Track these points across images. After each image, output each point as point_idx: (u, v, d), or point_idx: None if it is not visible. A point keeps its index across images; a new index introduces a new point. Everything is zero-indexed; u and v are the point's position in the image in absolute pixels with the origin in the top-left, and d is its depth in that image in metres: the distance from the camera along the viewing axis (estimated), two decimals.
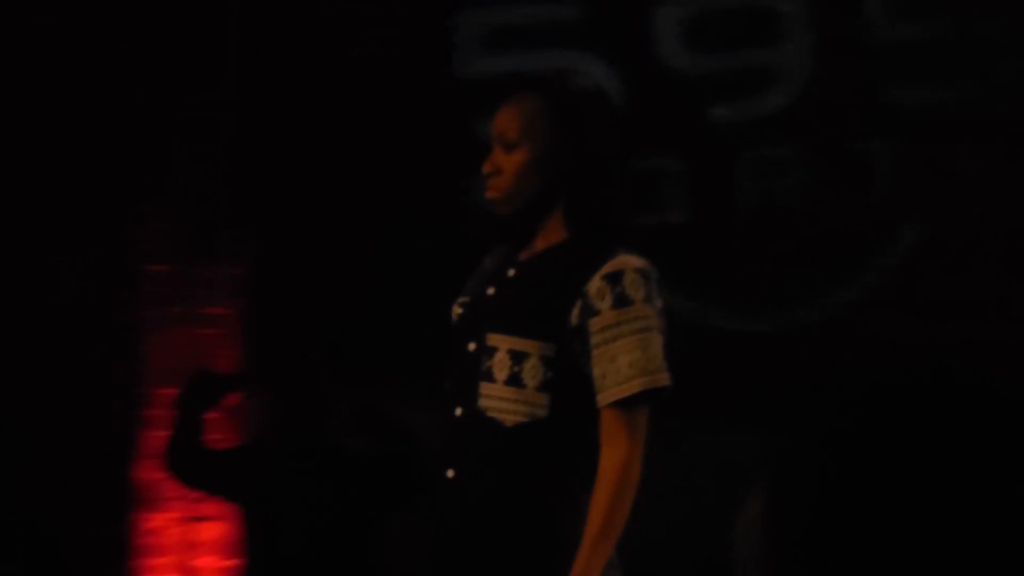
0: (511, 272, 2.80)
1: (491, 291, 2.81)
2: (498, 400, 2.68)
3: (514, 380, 2.67)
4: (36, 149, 5.01)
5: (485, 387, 2.70)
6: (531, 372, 2.67)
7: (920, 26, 4.55)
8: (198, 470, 4.47)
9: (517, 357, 2.67)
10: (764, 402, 4.33)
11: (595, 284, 2.66)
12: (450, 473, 2.74)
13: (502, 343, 2.69)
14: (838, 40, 4.68)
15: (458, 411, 2.75)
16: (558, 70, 2.94)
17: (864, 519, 3.64)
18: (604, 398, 2.66)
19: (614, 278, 2.66)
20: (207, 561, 5.08)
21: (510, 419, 2.67)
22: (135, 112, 5.10)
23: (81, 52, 5.05)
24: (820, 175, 4.64)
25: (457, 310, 2.87)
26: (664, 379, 2.68)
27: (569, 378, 2.68)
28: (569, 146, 2.74)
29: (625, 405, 2.65)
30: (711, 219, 4.74)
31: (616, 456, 2.62)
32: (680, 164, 4.77)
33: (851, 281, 4.55)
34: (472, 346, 2.75)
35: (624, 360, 2.63)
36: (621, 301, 2.64)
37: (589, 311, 2.66)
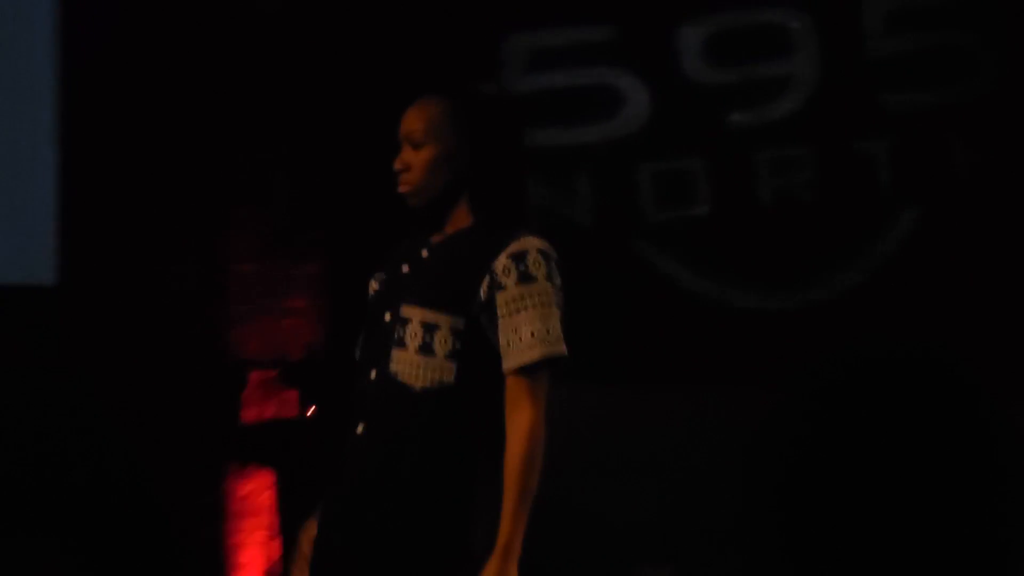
0: (424, 253, 2.95)
1: (405, 269, 2.97)
2: (408, 365, 2.83)
3: (425, 348, 2.82)
4: (149, 167, 5.56)
5: (397, 353, 2.85)
6: (441, 342, 2.82)
7: (911, 38, 5.03)
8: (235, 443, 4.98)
9: (429, 328, 2.83)
10: (776, 371, 4.81)
11: (501, 262, 2.82)
12: (359, 429, 2.88)
13: (415, 315, 2.85)
14: (841, 51, 5.13)
15: (372, 374, 2.89)
16: (463, 77, 3.23)
17: (823, 466, 4.46)
18: (508, 364, 2.80)
19: (518, 257, 2.82)
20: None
21: (418, 383, 2.81)
22: (222, 129, 5.65)
23: (176, 80, 5.62)
24: (827, 171, 5.08)
25: (374, 285, 3.05)
26: (562, 349, 2.81)
27: (476, 348, 2.82)
28: (470, 144, 2.92)
29: (528, 372, 2.78)
30: (731, 212, 5.20)
31: (523, 421, 2.75)
32: (703, 164, 5.24)
33: (855, 264, 5.01)
34: (387, 316, 2.90)
35: (526, 330, 2.78)
36: (525, 278, 2.80)
37: (496, 286, 2.81)
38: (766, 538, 4.79)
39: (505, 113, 3.07)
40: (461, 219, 2.95)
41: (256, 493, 5.56)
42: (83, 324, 5.43)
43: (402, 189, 2.99)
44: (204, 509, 5.47)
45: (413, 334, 2.84)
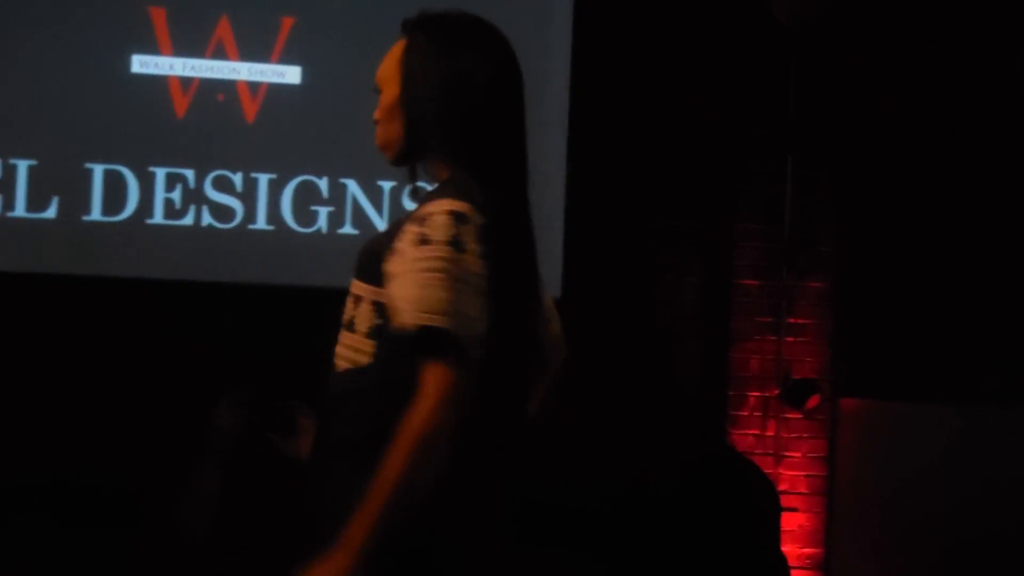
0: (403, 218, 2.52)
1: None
2: (339, 345, 2.47)
3: (349, 325, 2.45)
4: (654, 182, 5.64)
5: (340, 332, 2.50)
6: (362, 317, 2.43)
7: None
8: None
9: (356, 301, 2.45)
10: None
11: (406, 226, 2.39)
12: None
13: (351, 287, 2.48)
14: None
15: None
16: (445, 12, 2.57)
17: None
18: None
19: (422, 219, 2.36)
20: (790, 548, 5.53)
21: (341, 364, 2.45)
22: (730, 142, 5.67)
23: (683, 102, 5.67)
24: None
25: None
26: (440, 320, 2.27)
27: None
28: (421, 85, 2.47)
29: (424, 351, 2.28)
30: None
31: (412, 411, 2.27)
32: None
33: None
34: None
35: (406, 294, 2.31)
36: (422, 241, 2.34)
37: (392, 253, 2.38)
38: None
39: (474, 49, 2.50)
40: (430, 179, 2.54)
41: None
42: (586, 334, 5.51)
43: (376, 142, 2.57)
44: None
45: (346, 309, 2.47)
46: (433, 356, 2.27)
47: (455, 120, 2.46)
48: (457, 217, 2.35)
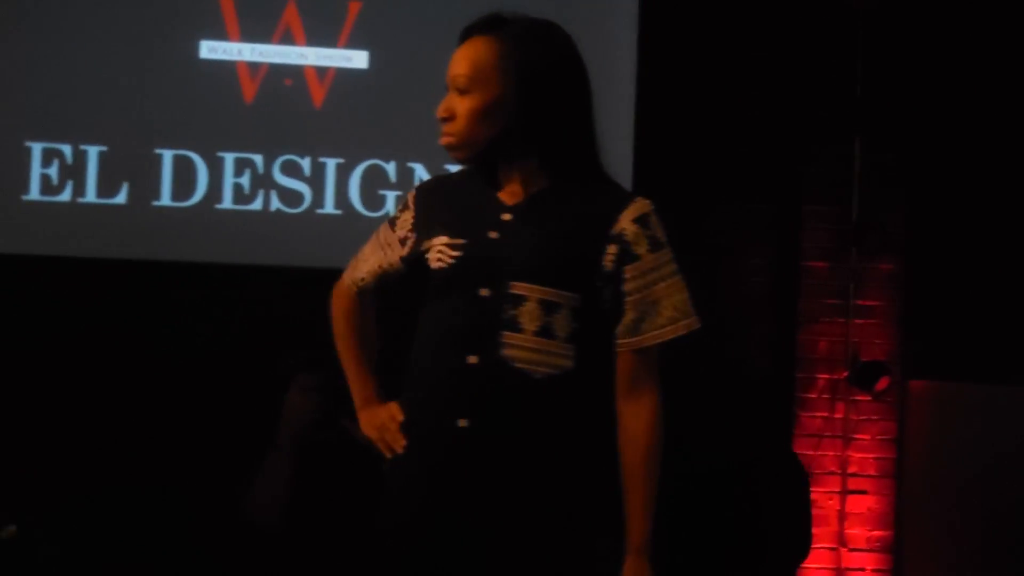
0: (506, 216, 2.62)
1: (494, 235, 2.61)
2: (527, 351, 2.54)
3: (545, 331, 2.54)
4: (723, 161, 5.60)
5: (510, 336, 2.54)
6: (562, 323, 2.55)
7: None
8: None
9: (549, 308, 2.55)
10: None
11: (627, 228, 2.57)
12: (462, 423, 2.55)
13: (531, 293, 2.56)
14: None
15: (471, 359, 2.55)
16: (514, 13, 2.65)
17: None
18: (641, 341, 2.57)
19: (643, 221, 2.58)
20: (859, 531, 5.52)
21: (540, 370, 2.54)
22: (797, 123, 5.64)
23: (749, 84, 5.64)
24: None
25: (451, 252, 2.63)
26: (697, 322, 2.60)
27: (593, 327, 2.58)
28: (524, 91, 2.57)
29: (653, 349, 2.58)
30: None
31: (650, 403, 2.57)
32: None
33: None
34: (485, 292, 2.57)
35: (668, 303, 2.56)
36: (655, 244, 2.58)
37: (627, 257, 2.56)
38: None
39: (567, 55, 2.63)
40: (536, 177, 2.62)
41: (823, 500, 5.48)
42: None
43: (443, 141, 2.63)
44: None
45: (530, 315, 2.55)
46: (660, 354, 2.57)
47: (578, 119, 2.61)
48: (658, 215, 2.59)
